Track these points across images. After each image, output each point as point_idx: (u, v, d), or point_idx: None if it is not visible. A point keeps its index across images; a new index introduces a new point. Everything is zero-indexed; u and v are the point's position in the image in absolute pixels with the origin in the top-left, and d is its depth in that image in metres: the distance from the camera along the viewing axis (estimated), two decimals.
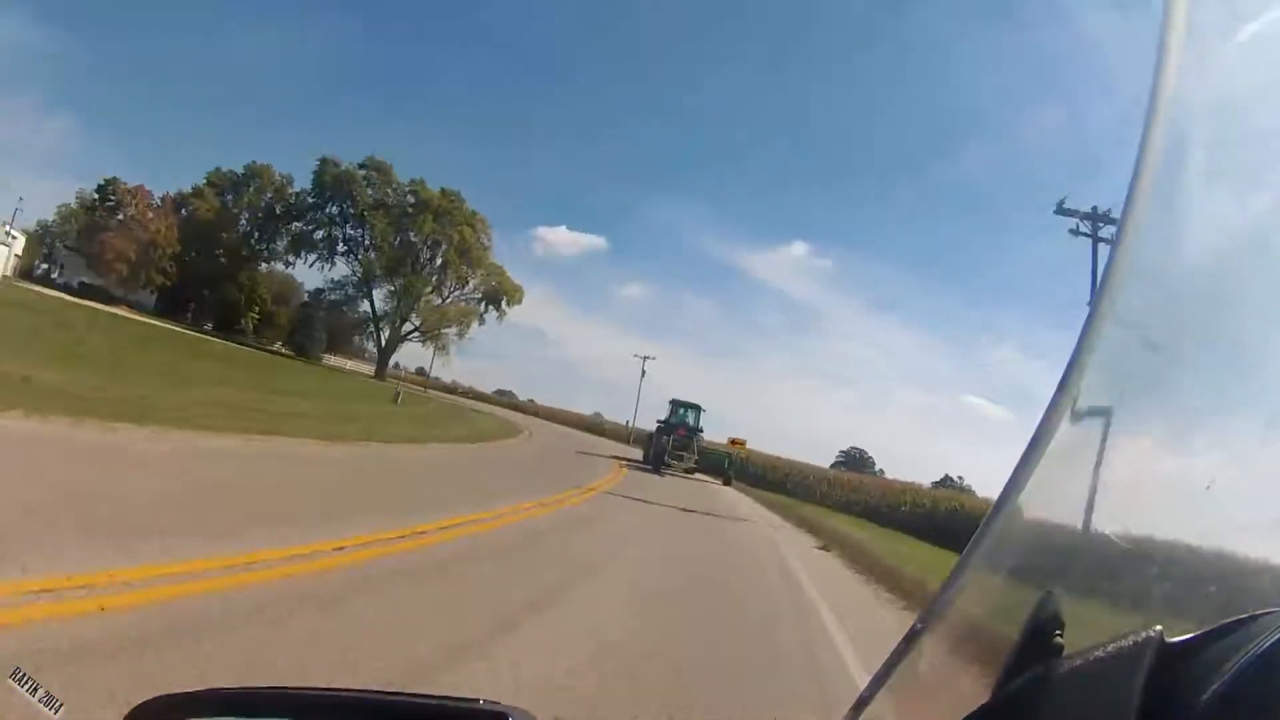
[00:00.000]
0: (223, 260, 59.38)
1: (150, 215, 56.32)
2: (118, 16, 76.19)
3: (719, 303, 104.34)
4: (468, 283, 63.74)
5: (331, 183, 60.31)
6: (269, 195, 62.34)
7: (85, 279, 52.59)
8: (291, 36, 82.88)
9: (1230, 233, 0.66)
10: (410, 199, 61.41)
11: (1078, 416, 0.66)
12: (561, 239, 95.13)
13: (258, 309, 63.19)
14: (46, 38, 73.88)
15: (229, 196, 61.49)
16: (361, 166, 60.79)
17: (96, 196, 56.17)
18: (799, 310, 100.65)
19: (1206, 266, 0.67)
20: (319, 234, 62.22)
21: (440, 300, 63.52)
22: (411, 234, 61.09)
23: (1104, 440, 0.71)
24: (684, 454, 28.40)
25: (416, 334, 64.16)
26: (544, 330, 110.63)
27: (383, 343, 64.21)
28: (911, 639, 0.70)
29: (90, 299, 44.63)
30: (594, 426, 60.79)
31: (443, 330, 62.89)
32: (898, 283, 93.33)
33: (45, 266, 55.92)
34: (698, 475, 29.08)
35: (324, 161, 60.38)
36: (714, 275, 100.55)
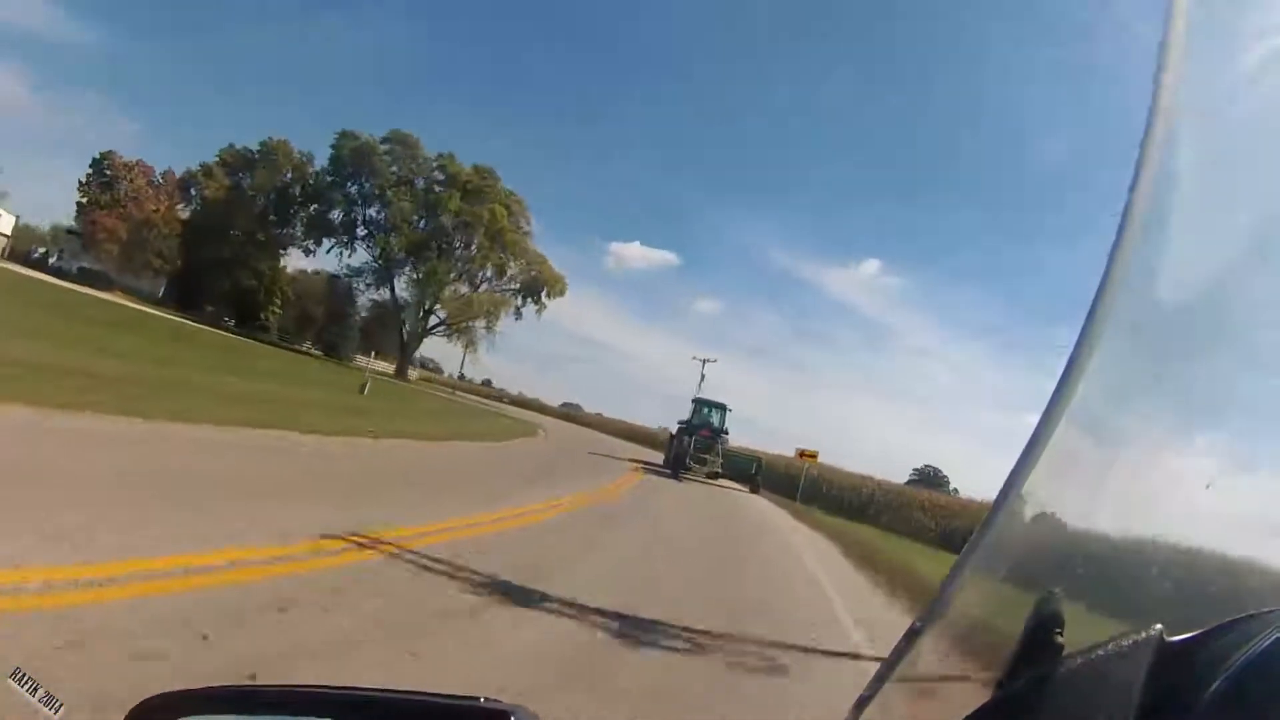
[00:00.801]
0: (237, 245, 51.88)
1: (150, 192, 50.16)
2: (178, 17, 75.82)
3: (790, 319, 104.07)
4: (504, 271, 55.57)
5: (351, 158, 52.18)
6: (287, 174, 53.76)
7: (85, 264, 48.54)
8: (370, 36, 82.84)
9: (1231, 232, 0.66)
10: (438, 175, 53.65)
11: (1078, 416, 0.66)
12: (634, 254, 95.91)
13: (279, 301, 55.63)
14: (106, 36, 73.87)
15: (245, 176, 53.17)
16: (384, 140, 52.82)
17: (90, 172, 50.18)
18: (870, 327, 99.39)
19: (1206, 266, 0.67)
20: (336, 215, 53.89)
21: (470, 289, 56.00)
22: (438, 214, 52.97)
23: (1104, 440, 0.71)
24: (706, 457, 25.29)
25: (442, 328, 56.70)
26: (614, 344, 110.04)
27: (404, 337, 56.57)
28: (912, 638, 0.70)
29: (85, 284, 40.99)
30: (652, 438, 52.33)
31: (470, 323, 55.23)
32: (968, 301, 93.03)
33: (43, 250, 51.74)
34: (722, 481, 25.89)
35: (343, 135, 52.25)
36: (786, 291, 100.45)
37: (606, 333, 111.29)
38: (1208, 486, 0.64)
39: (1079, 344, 0.65)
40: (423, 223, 54.36)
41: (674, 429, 28.32)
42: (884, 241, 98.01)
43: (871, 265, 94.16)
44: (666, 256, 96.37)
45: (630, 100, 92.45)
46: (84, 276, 45.46)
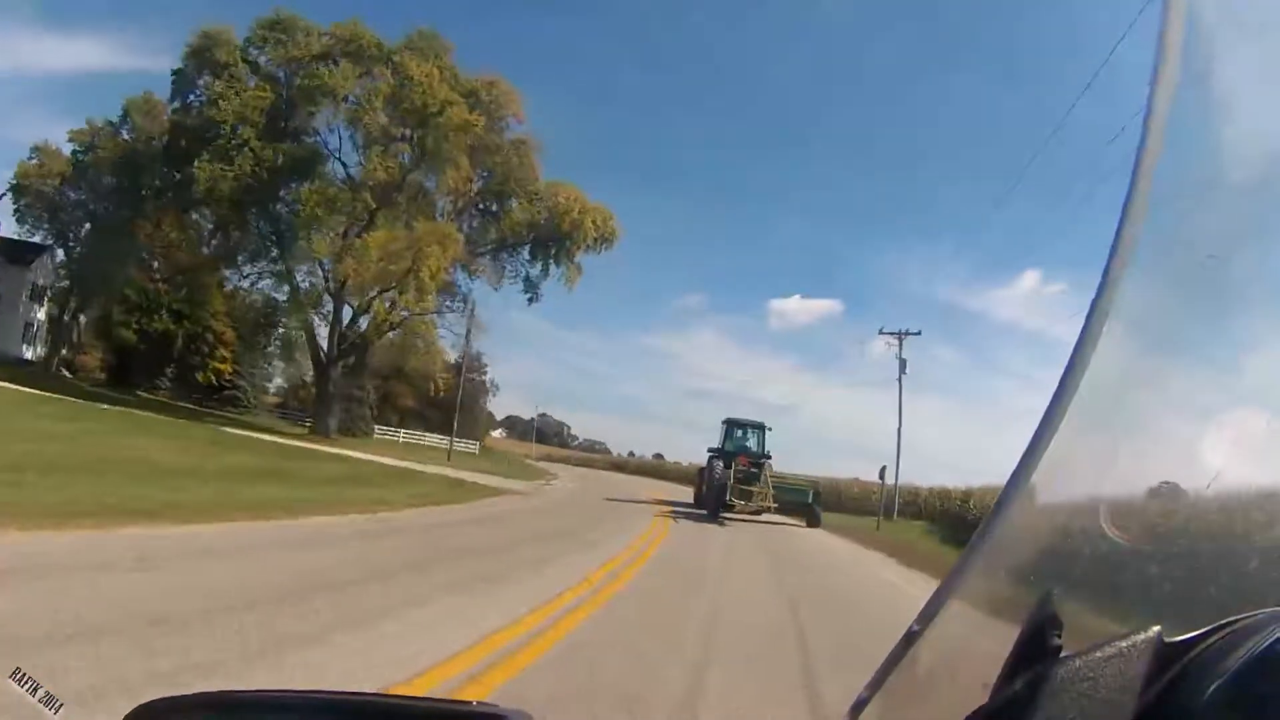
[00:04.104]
0: (109, 263, 32.46)
1: None
2: None
3: (959, 348, 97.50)
4: (465, 185, 30.29)
5: (195, 70, 29.45)
6: (157, 137, 31.29)
7: None
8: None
9: (1232, 229, 0.66)
10: (335, 48, 28.98)
11: (1077, 417, 0.65)
12: (795, 308, 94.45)
13: (222, 350, 35.58)
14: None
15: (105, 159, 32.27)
16: (250, 39, 29.23)
17: None
18: (1038, 343, 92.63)
19: (1207, 264, 0.67)
20: (170, 169, 29.31)
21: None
22: (316, 105, 28.81)
23: (1104, 440, 0.70)
24: (751, 489, 20.76)
25: (360, 318, 30.82)
26: (790, 403, 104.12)
27: (290, 350, 33.85)
28: (909, 640, 0.70)
29: None
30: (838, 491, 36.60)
31: (387, 296, 28.94)
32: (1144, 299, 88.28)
33: None
34: (771, 517, 21.51)
35: (189, 47, 29.28)
36: (952, 321, 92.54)
37: (780, 391, 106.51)
38: (1208, 486, 0.63)
39: (1079, 343, 0.65)
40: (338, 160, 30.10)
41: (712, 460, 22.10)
42: (1037, 250, 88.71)
43: (1032, 277, 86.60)
44: (830, 305, 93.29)
45: (766, 156, 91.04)
46: None
